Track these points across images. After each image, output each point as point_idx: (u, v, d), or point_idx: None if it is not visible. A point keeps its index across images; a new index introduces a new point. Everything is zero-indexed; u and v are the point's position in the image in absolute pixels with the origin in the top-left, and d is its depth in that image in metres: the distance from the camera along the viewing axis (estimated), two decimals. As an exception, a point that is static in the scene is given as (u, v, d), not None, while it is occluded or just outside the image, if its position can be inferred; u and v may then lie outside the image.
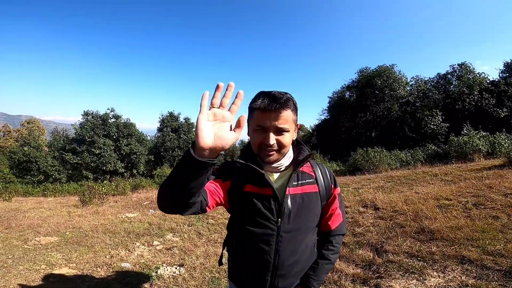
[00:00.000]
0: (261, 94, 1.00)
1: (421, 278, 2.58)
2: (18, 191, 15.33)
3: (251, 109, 1.02)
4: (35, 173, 22.53)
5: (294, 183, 1.11)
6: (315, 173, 1.18)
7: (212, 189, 1.05)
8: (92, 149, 23.37)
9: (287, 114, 0.99)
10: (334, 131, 26.68)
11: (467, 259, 2.76)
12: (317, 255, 1.23)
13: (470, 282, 2.40)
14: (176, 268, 3.14)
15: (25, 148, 22.93)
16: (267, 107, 0.95)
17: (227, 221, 1.77)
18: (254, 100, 1.00)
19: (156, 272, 3.04)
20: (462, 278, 2.49)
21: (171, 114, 27.33)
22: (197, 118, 0.75)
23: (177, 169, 0.79)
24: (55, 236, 4.49)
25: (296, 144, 1.20)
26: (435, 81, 24.96)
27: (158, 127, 27.48)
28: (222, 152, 0.83)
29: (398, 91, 24.01)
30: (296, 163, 1.13)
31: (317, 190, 1.15)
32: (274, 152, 1.03)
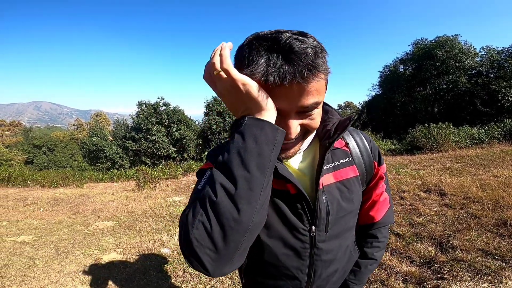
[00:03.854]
0: (264, 47, 0.54)
1: (496, 281, 2.13)
2: (91, 178, 17.31)
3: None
4: (104, 161, 25.39)
5: (325, 168, 0.72)
6: (349, 148, 0.81)
7: None
8: (148, 136, 25.29)
9: (319, 81, 0.56)
10: (387, 107, 24.69)
11: None
12: (359, 254, 0.92)
13: None
14: None
15: (93, 139, 25.81)
16: (283, 79, 0.52)
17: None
18: (250, 61, 0.54)
19: None
20: None
21: (215, 99, 28.03)
22: (244, 81, 0.52)
23: (262, 161, 0.52)
24: (112, 221, 4.78)
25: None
26: (510, 51, 21.23)
27: (204, 112, 28.45)
28: None
29: (465, 62, 20.98)
30: (324, 137, 0.74)
31: (357, 174, 0.80)
32: (293, 142, 0.67)
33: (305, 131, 0.65)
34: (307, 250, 0.74)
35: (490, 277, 2.19)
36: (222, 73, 0.52)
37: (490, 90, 19.32)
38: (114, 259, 3.24)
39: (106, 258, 3.28)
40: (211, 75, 0.55)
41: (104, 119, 53.90)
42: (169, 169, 14.99)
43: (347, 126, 0.72)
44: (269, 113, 0.54)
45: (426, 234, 3.01)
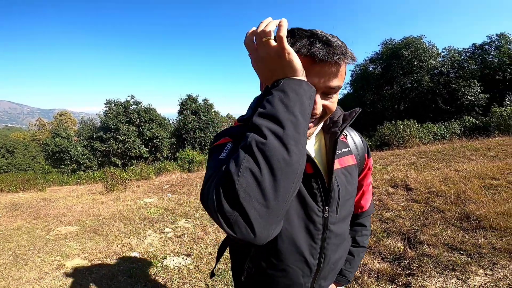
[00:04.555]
0: (305, 34, 0.63)
1: (463, 277, 2.16)
2: (55, 181, 16.17)
3: None
4: (68, 163, 23.88)
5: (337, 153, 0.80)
6: (348, 140, 0.91)
7: None
8: (118, 136, 24.25)
9: (344, 67, 0.66)
10: (358, 105, 25.44)
11: None
12: (351, 243, 1.01)
13: None
14: (182, 258, 2.98)
15: (56, 139, 24.18)
16: (325, 57, 0.60)
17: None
18: (295, 41, 0.63)
19: (162, 263, 2.89)
20: None
21: (189, 97, 27.48)
22: (290, 51, 0.56)
23: (303, 110, 0.54)
24: (76, 225, 4.51)
25: None
26: (470, 51, 23.22)
27: (178, 110, 27.85)
28: None
29: (428, 62, 22.45)
30: (331, 127, 0.82)
31: (356, 162, 0.89)
32: (313, 122, 0.71)
33: (323, 113, 0.70)
34: (320, 232, 0.77)
35: (457, 273, 2.22)
36: (272, 40, 0.55)
37: (450, 89, 20.80)
38: (78, 265, 3.04)
39: (69, 264, 3.08)
40: (256, 41, 0.58)
41: (69, 118, 50.65)
42: (140, 169, 14.43)
43: (354, 117, 0.81)
44: (303, 77, 0.59)
45: (395, 229, 3.05)
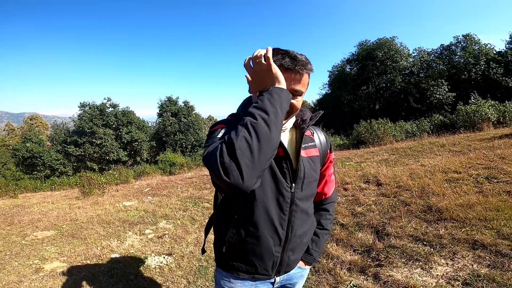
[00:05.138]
0: (280, 52, 0.92)
1: (427, 267, 2.29)
2: (27, 187, 15.36)
3: None
4: (41, 168, 22.78)
5: (303, 146, 1.04)
6: (314, 137, 1.14)
7: None
8: (94, 140, 23.43)
9: (306, 77, 0.94)
10: (336, 105, 26.51)
11: (480, 243, 2.43)
12: (316, 225, 1.20)
13: (483, 271, 2.11)
14: (164, 257, 3.03)
15: (27, 144, 22.99)
16: (290, 67, 0.89)
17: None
18: (283, 60, 0.91)
19: (143, 263, 2.93)
20: (474, 266, 2.20)
21: (169, 99, 27.02)
22: (275, 67, 0.83)
23: (282, 107, 0.80)
24: (52, 230, 4.41)
25: None
26: (438, 52, 24.43)
27: (158, 113, 27.30)
28: None
29: (400, 62, 23.47)
30: (300, 124, 1.06)
31: (319, 154, 1.11)
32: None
33: (290, 110, 0.91)
34: (288, 204, 0.98)
35: (421, 263, 2.33)
36: (262, 60, 0.83)
37: (420, 89, 21.84)
38: (58, 268, 3.01)
39: (48, 267, 3.05)
40: (252, 62, 0.86)
41: (40, 122, 48.05)
42: (119, 173, 14.07)
43: (318, 117, 1.07)
44: (284, 86, 0.84)
45: (366, 223, 3.19)
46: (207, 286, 2.49)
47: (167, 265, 2.87)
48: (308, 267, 1.22)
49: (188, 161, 17.75)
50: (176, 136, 25.50)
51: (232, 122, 0.94)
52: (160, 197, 6.50)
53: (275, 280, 1.09)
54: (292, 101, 0.91)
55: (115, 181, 12.10)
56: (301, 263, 1.17)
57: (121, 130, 25.10)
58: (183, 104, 27.59)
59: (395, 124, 13.74)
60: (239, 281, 1.04)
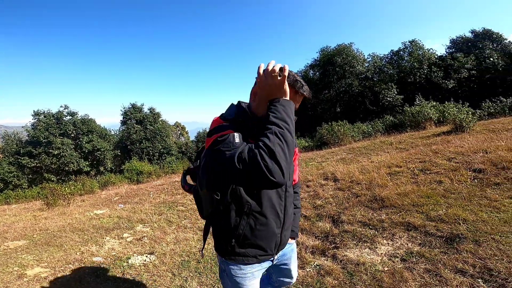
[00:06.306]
0: (299, 80, 1.17)
1: (373, 247, 2.71)
2: (-22, 203, 13.93)
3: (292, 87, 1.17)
4: (-7, 182, 20.72)
5: None
6: None
7: None
8: (50, 150, 21.90)
9: (301, 99, 1.24)
10: (300, 108, 26.72)
11: (412, 225, 2.86)
12: None
13: (415, 249, 2.50)
14: (146, 256, 3.21)
15: (-27, 157, 20.88)
16: (299, 90, 1.16)
17: (196, 207, 1.71)
18: (295, 82, 1.15)
19: (127, 262, 3.10)
20: (409, 245, 2.60)
21: (133, 106, 26.14)
22: (286, 83, 1.03)
23: (292, 117, 1.00)
24: (23, 240, 4.32)
25: None
26: (389, 57, 26.31)
27: (121, 120, 26.24)
28: None
29: (357, 67, 25.00)
30: None
31: None
32: None
33: None
34: (284, 192, 1.21)
35: (368, 243, 2.75)
36: (277, 75, 0.98)
37: (374, 92, 23.41)
38: (41, 273, 3.03)
39: (30, 273, 3.04)
40: (266, 74, 0.99)
41: (-16, 133, 43.41)
42: (83, 184, 13.50)
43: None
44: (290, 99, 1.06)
45: (325, 213, 3.65)
46: (191, 276, 2.73)
47: (151, 262, 3.06)
48: (293, 241, 1.50)
49: (156, 169, 17.49)
50: (142, 144, 24.76)
51: (235, 127, 1.05)
52: (132, 204, 6.56)
53: (274, 258, 1.30)
54: None
55: (79, 191, 11.66)
56: (289, 239, 1.42)
57: (81, 139, 23.76)
58: (149, 110, 26.91)
59: (353, 125, 14.90)
60: (249, 266, 1.20)
